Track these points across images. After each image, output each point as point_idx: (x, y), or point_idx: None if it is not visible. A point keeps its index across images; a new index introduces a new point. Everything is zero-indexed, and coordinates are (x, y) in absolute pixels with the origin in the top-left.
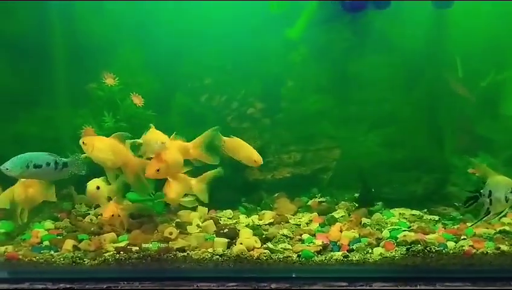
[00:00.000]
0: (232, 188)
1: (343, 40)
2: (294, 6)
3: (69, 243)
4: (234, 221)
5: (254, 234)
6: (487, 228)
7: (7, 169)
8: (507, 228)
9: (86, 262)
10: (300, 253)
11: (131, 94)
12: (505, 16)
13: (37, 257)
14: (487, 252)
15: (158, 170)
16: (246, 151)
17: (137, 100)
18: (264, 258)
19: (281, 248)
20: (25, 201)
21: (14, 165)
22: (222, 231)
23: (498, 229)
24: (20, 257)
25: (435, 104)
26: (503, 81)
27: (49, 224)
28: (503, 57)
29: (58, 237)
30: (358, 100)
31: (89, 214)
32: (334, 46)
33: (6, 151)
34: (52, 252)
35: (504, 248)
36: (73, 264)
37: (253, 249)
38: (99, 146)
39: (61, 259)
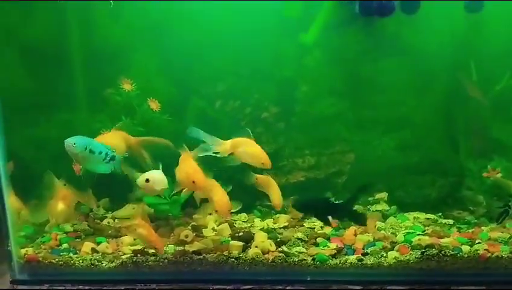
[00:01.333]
0: (247, 191)
1: (357, 43)
2: (308, 10)
3: (87, 246)
4: (249, 224)
5: (269, 238)
6: (502, 232)
7: (74, 144)
8: None
9: (104, 264)
10: (315, 256)
11: (148, 99)
12: None
13: (56, 259)
14: (502, 256)
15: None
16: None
17: (154, 105)
18: (279, 261)
19: (296, 251)
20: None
21: (78, 144)
22: (237, 235)
23: None
24: (40, 259)
25: (449, 107)
26: None
27: (67, 227)
28: None
29: (77, 239)
30: (373, 103)
31: (106, 217)
32: (348, 49)
33: (26, 154)
34: (71, 255)
35: None
36: (92, 266)
37: (268, 253)
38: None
39: (80, 261)
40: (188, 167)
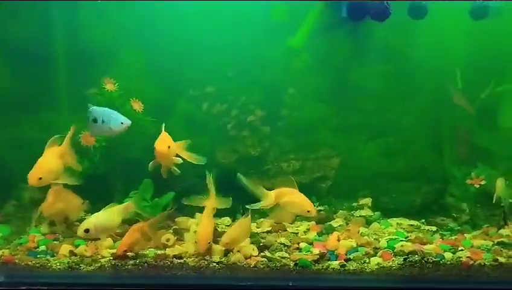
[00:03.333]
0: (231, 195)
1: (344, 49)
2: (296, 14)
3: (65, 248)
4: None
5: (251, 242)
6: (485, 240)
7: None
8: (505, 239)
9: (82, 268)
10: (297, 262)
11: (131, 100)
12: (505, 28)
13: (33, 262)
14: (485, 264)
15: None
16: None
17: (137, 106)
18: (261, 266)
19: (278, 256)
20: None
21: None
22: (219, 239)
23: (496, 241)
24: (17, 261)
25: (435, 114)
26: (502, 93)
27: (45, 228)
28: (503, 69)
29: (55, 241)
30: (359, 109)
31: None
32: (335, 54)
33: (7, 155)
34: (48, 257)
35: (502, 259)
36: (69, 269)
37: (250, 257)
38: None
39: (57, 264)
40: None
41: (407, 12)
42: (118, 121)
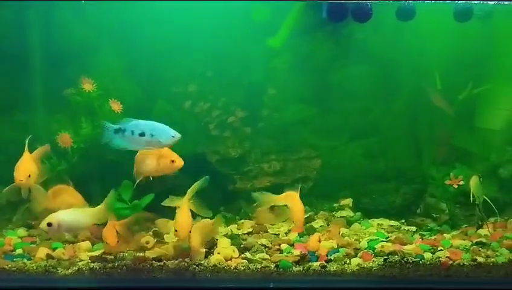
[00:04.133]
0: (212, 197)
1: (325, 50)
2: (276, 15)
3: (42, 251)
4: None
5: (232, 244)
6: (464, 240)
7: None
8: (483, 239)
9: (59, 271)
10: (278, 263)
11: (110, 100)
12: (484, 30)
13: (9, 265)
14: (464, 264)
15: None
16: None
17: (116, 106)
18: (242, 268)
19: (259, 258)
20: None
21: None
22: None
23: (474, 241)
24: None
25: (415, 115)
26: (479, 94)
27: (22, 231)
28: (480, 71)
29: (32, 244)
30: (340, 110)
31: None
32: (316, 55)
33: None
34: (25, 260)
35: (480, 259)
36: (46, 273)
37: (230, 259)
38: None
39: (34, 267)
40: None
41: (395, 15)
42: (168, 135)
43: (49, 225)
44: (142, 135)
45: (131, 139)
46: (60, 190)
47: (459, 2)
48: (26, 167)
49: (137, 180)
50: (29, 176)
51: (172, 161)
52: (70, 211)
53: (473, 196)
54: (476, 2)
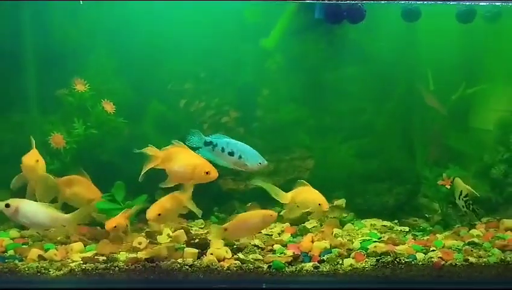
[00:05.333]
0: (205, 197)
1: (318, 51)
2: (269, 15)
3: (34, 253)
4: (206, 231)
5: (225, 244)
6: (456, 240)
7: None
8: (475, 239)
9: (51, 272)
10: (271, 264)
11: (102, 101)
12: (474, 31)
13: (1, 266)
14: (456, 264)
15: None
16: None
17: (109, 107)
18: (235, 269)
19: (252, 259)
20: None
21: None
22: (193, 241)
23: (467, 241)
24: None
25: (408, 115)
26: (472, 94)
27: (14, 232)
28: (473, 71)
29: (24, 246)
30: (333, 110)
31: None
32: (309, 56)
33: None
34: (16, 262)
35: (472, 259)
36: (38, 274)
37: (223, 260)
38: None
39: (26, 269)
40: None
41: (401, 16)
42: (256, 161)
43: (7, 205)
44: (231, 154)
45: (220, 154)
46: (72, 181)
47: (454, 3)
48: (34, 153)
49: (167, 186)
50: (37, 161)
51: (207, 173)
52: (36, 204)
53: (466, 195)
54: (478, 2)
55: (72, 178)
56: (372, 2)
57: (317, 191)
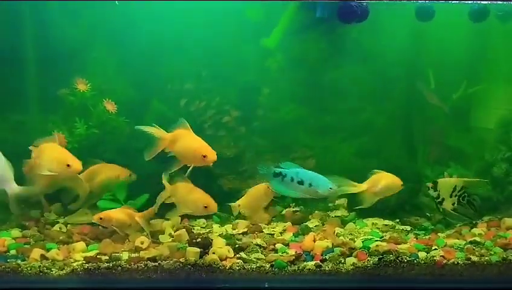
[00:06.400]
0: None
1: (319, 50)
2: (271, 14)
3: (36, 252)
4: (207, 230)
5: (227, 244)
6: (458, 239)
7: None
8: (477, 238)
9: (53, 272)
10: (273, 263)
11: (104, 100)
12: (477, 30)
13: (3, 266)
14: (458, 263)
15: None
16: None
17: (110, 106)
18: (237, 268)
19: (254, 258)
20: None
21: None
22: (195, 241)
23: (468, 240)
24: None
25: (409, 114)
26: (473, 94)
27: (16, 232)
28: (474, 70)
29: (26, 245)
30: (334, 110)
31: (58, 222)
32: (310, 55)
33: None
34: (18, 261)
35: (474, 258)
36: (40, 274)
37: (225, 259)
38: None
39: (28, 268)
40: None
41: (415, 15)
42: (326, 187)
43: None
44: (300, 183)
45: (289, 184)
46: (93, 171)
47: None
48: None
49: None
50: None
51: (204, 157)
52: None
53: (463, 192)
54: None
55: (91, 169)
56: (378, 1)
57: (391, 174)
